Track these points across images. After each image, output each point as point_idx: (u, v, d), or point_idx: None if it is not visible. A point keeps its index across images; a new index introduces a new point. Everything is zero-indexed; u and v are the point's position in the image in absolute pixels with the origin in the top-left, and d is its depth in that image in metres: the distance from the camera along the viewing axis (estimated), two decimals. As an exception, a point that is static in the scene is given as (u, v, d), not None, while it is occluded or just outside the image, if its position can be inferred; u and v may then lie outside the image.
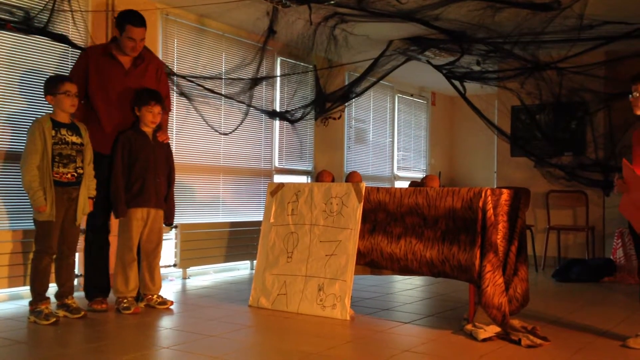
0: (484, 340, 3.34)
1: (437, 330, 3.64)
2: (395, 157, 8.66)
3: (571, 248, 6.85)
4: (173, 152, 5.52)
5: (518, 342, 3.29)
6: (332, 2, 4.67)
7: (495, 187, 7.22)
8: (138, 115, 4.05)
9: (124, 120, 4.07)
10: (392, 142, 8.59)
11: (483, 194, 3.58)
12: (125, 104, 4.06)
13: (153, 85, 4.18)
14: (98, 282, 4.15)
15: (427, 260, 3.77)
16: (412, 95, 8.99)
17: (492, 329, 3.44)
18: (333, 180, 4.54)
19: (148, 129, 4.09)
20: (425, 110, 9.37)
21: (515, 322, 3.57)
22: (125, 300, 4.01)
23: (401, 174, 8.72)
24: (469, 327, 3.52)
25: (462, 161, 9.82)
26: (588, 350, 3.22)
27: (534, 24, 4.91)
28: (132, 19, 4.02)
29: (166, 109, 4.29)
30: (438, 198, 3.77)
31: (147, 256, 4.16)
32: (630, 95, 3.30)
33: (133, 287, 4.09)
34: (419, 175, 9.09)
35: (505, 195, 3.77)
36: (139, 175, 4.02)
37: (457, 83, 6.50)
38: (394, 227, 3.94)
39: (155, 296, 4.17)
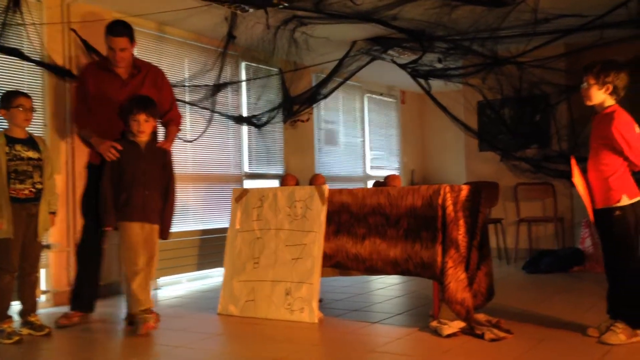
0: (448, 336, 3.37)
1: (403, 329, 3.66)
2: (368, 157, 8.68)
3: (542, 239, 6.93)
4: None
5: (482, 337, 3.32)
6: (286, 4, 4.67)
7: (465, 181, 7.29)
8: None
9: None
10: (363, 142, 8.61)
11: (442, 191, 3.61)
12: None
13: (153, 95, 4.04)
14: (80, 294, 4.08)
15: (391, 259, 3.79)
16: (381, 95, 9.03)
17: (457, 325, 3.46)
18: (297, 184, 4.54)
19: (141, 139, 3.84)
20: (395, 108, 9.42)
21: (480, 317, 3.60)
22: (140, 317, 3.73)
23: (374, 173, 8.75)
24: (434, 323, 3.54)
25: (434, 158, 9.88)
26: (550, 340, 3.26)
27: (489, 20, 4.96)
28: (110, 29, 4.01)
29: (161, 117, 4.09)
30: (399, 197, 3.79)
31: None
32: (581, 86, 3.35)
33: (143, 301, 3.76)
34: (392, 173, 9.13)
35: (464, 191, 3.80)
36: (125, 188, 3.79)
37: (422, 81, 6.55)
38: (357, 227, 3.96)
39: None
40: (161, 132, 4.19)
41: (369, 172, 8.68)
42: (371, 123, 8.80)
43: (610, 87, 3.21)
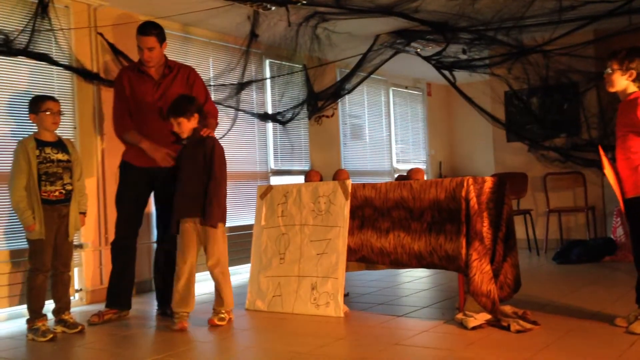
0: (474, 328, 3.36)
1: (429, 322, 3.66)
2: (394, 151, 8.66)
3: (573, 230, 6.83)
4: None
5: (507, 328, 3.30)
6: (304, 2, 4.69)
7: (493, 173, 7.22)
8: None
9: (159, 131, 4.08)
10: (389, 136, 8.59)
11: (465, 184, 3.59)
12: (158, 116, 4.09)
13: (185, 92, 4.13)
14: (115, 291, 4.19)
15: (415, 253, 3.79)
16: (406, 88, 8.99)
17: (483, 317, 3.45)
18: (321, 180, 4.56)
19: (187, 138, 3.93)
20: (421, 101, 9.37)
21: (507, 308, 3.58)
22: (176, 315, 3.86)
23: (401, 167, 8.72)
24: (459, 316, 3.54)
25: (463, 149, 9.80)
26: (576, 332, 3.23)
27: (513, 9, 4.90)
28: (139, 29, 4.13)
29: (196, 114, 4.06)
30: (422, 190, 3.79)
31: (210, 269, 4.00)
32: (605, 72, 3.31)
33: (177, 301, 3.86)
34: (420, 167, 9.12)
35: (488, 182, 3.78)
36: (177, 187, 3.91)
37: (446, 73, 6.50)
38: (381, 222, 3.97)
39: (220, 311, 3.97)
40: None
41: (396, 165, 8.66)
42: (397, 116, 8.77)
43: (634, 73, 3.17)
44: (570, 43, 5.71)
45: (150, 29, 4.11)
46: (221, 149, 3.95)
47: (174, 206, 3.88)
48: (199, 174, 3.83)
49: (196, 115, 3.90)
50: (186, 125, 3.87)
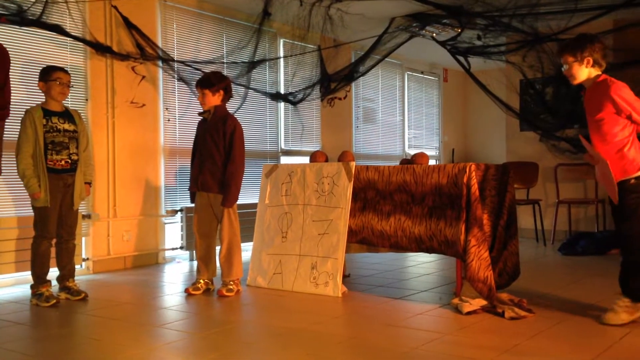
0: (469, 313, 3.38)
1: (425, 305, 3.68)
2: (407, 136, 8.63)
3: (582, 222, 6.78)
4: (176, 137, 5.62)
5: (502, 315, 3.31)
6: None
7: (505, 161, 7.17)
8: None
9: None
10: (403, 121, 8.56)
11: (467, 170, 3.58)
12: None
13: None
14: None
15: (415, 237, 3.80)
16: (422, 73, 8.93)
17: (478, 302, 3.46)
18: (327, 161, 4.58)
19: (209, 113, 4.10)
20: (436, 87, 9.30)
21: (504, 296, 3.59)
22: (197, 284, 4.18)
23: (413, 152, 8.68)
24: (455, 300, 3.55)
25: (476, 137, 9.73)
26: (569, 322, 3.23)
27: (529, -5, 4.83)
28: None
29: None
30: (424, 175, 3.79)
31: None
32: (562, 69, 3.28)
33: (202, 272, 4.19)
34: (433, 153, 9.08)
35: (492, 170, 3.77)
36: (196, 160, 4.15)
37: (461, 58, 6.43)
38: (383, 204, 3.98)
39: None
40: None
41: (408, 150, 8.63)
42: (411, 101, 8.72)
43: (590, 59, 3.15)
44: (587, 32, 5.60)
45: None
46: (241, 131, 4.12)
47: (192, 178, 4.15)
48: (218, 151, 4.03)
49: (222, 92, 4.09)
50: (210, 99, 4.06)
